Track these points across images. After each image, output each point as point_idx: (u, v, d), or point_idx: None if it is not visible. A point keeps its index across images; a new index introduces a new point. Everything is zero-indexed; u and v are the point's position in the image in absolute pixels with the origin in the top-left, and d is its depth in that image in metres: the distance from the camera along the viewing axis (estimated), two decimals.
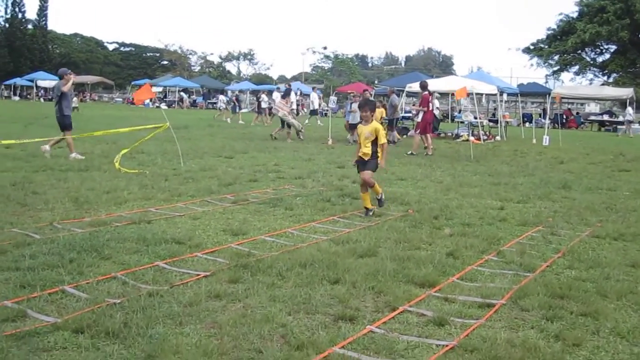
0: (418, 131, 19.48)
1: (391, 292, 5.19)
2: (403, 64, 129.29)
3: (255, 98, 42.14)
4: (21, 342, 3.90)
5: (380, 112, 23.45)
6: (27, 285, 4.99)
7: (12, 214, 7.79)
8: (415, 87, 26.71)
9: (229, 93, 46.76)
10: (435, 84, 29.12)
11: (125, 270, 5.53)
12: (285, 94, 23.32)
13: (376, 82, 66.40)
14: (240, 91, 47.50)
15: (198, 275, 5.51)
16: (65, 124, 14.01)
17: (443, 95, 33.44)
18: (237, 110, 37.60)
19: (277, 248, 6.61)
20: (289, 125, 22.16)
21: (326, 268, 5.75)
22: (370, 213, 8.64)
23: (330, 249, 6.59)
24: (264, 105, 34.15)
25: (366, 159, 8.71)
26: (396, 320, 4.64)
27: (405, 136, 26.10)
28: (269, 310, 4.65)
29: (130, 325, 4.20)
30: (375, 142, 8.65)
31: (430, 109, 19.59)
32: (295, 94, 23.57)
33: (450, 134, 28.02)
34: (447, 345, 4.15)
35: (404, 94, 29.07)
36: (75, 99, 45.45)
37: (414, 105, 23.11)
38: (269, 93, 36.24)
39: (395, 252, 6.53)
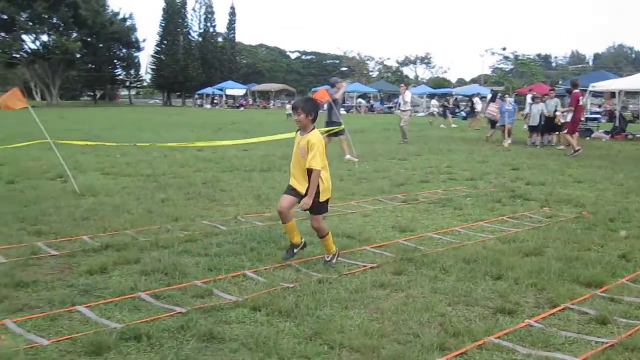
0: (566, 131, 18.33)
1: (554, 289, 5.20)
2: (591, 63, 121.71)
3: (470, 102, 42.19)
4: (208, 315, 4.50)
5: None
6: (213, 268, 5.69)
7: (202, 208, 8.71)
8: (599, 86, 25.42)
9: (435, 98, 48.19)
10: (622, 83, 27.50)
11: (299, 260, 6.04)
12: (493, 98, 23.89)
13: (560, 82, 63.32)
14: (450, 95, 48.67)
15: (365, 266, 5.88)
16: None
17: (631, 94, 31.41)
18: (448, 114, 38.40)
19: (443, 245, 6.80)
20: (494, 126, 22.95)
21: (490, 264, 5.86)
22: (296, 249, 6.08)
23: (495, 247, 6.66)
24: (478, 108, 34.12)
25: (300, 188, 5.87)
26: (556, 317, 4.67)
27: (588, 138, 24.75)
28: (429, 300, 4.89)
29: (300, 306, 4.65)
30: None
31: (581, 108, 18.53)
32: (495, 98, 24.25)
33: (639, 135, 26.14)
34: (606, 343, 4.13)
35: (588, 94, 27.61)
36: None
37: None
38: (482, 97, 36.18)
39: (562, 252, 6.45)
